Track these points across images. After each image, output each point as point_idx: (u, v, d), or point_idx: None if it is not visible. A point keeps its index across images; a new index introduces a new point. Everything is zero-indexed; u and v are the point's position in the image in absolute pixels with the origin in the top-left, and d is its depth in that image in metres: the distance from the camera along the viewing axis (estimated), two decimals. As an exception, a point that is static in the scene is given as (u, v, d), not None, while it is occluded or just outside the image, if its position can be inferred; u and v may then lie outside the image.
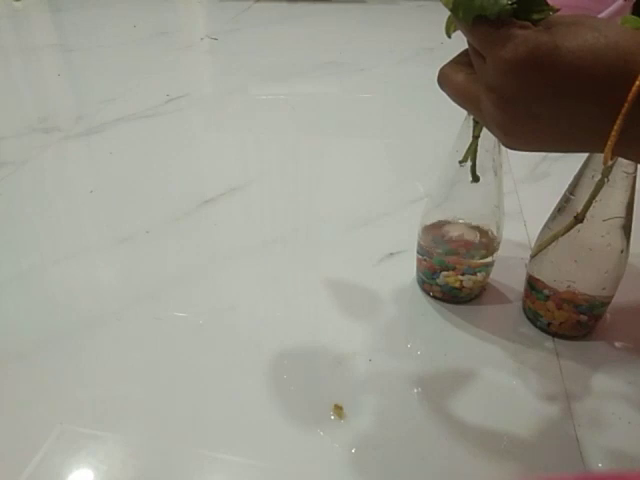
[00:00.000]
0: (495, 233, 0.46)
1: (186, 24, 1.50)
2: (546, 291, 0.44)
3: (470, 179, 0.42)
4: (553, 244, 0.42)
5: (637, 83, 0.23)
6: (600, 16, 0.37)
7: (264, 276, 0.54)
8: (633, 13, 0.36)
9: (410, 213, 0.61)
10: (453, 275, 0.48)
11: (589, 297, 0.43)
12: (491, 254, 0.47)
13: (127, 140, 0.81)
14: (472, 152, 0.41)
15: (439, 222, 0.47)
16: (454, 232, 0.47)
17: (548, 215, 0.43)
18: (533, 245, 0.45)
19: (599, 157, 0.37)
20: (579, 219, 0.39)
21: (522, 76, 0.25)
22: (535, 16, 0.27)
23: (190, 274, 0.54)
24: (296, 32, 1.33)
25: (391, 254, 0.56)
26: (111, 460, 0.37)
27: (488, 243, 0.46)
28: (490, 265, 0.49)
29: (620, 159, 0.36)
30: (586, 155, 0.39)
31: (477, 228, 0.47)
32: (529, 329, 0.47)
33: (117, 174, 0.72)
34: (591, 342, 0.46)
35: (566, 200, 0.41)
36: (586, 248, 0.41)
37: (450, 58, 0.32)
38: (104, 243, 0.59)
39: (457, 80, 0.30)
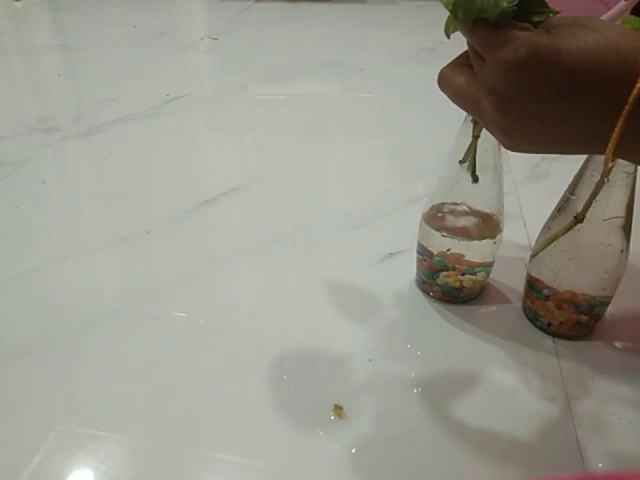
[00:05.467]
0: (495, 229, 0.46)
1: (186, 24, 1.50)
2: (546, 291, 0.44)
3: (470, 179, 0.42)
4: (553, 244, 0.42)
5: (638, 85, 0.23)
6: (602, 18, 0.37)
7: (264, 276, 0.54)
8: (632, 14, 0.36)
9: (410, 213, 0.61)
10: (453, 275, 0.47)
11: (589, 297, 0.43)
12: (492, 237, 0.47)
13: (127, 140, 0.81)
14: (472, 152, 0.41)
15: (441, 206, 0.46)
16: (454, 223, 0.47)
17: (548, 215, 0.43)
18: (533, 245, 0.45)
19: (599, 157, 0.37)
20: (579, 219, 0.39)
21: (522, 77, 0.25)
22: (535, 18, 0.27)
23: (190, 274, 0.54)
24: (296, 32, 1.33)
25: (391, 254, 0.56)
26: (111, 460, 0.37)
27: (493, 228, 0.46)
28: (490, 265, 0.49)
29: (620, 159, 0.36)
30: (586, 155, 0.39)
31: (478, 218, 0.46)
32: (529, 329, 0.47)
33: (117, 174, 0.72)
34: (591, 342, 0.46)
35: (566, 200, 0.41)
36: (586, 248, 0.41)
37: (450, 58, 0.32)
38: (104, 243, 0.59)
39: (457, 82, 0.30)
